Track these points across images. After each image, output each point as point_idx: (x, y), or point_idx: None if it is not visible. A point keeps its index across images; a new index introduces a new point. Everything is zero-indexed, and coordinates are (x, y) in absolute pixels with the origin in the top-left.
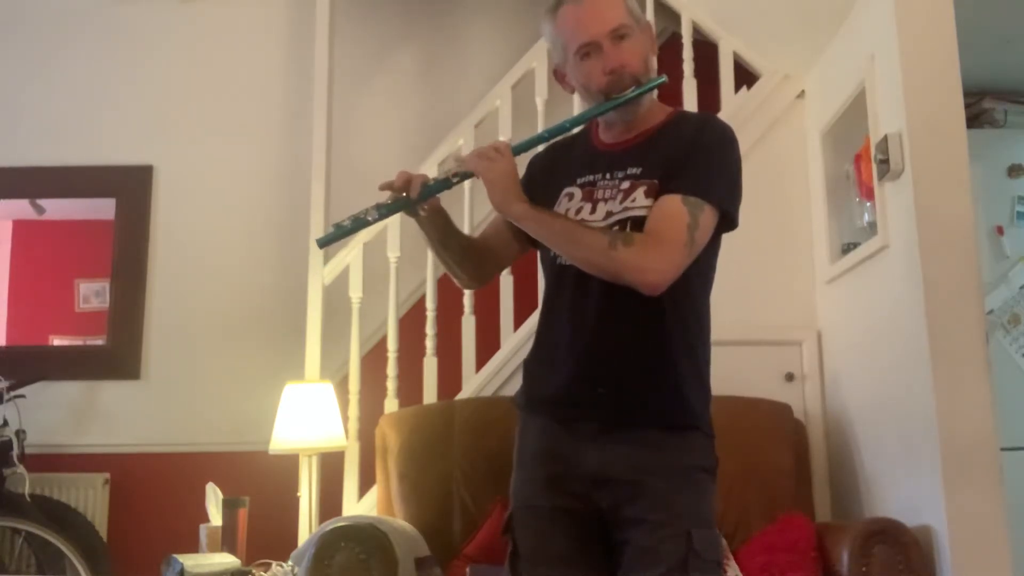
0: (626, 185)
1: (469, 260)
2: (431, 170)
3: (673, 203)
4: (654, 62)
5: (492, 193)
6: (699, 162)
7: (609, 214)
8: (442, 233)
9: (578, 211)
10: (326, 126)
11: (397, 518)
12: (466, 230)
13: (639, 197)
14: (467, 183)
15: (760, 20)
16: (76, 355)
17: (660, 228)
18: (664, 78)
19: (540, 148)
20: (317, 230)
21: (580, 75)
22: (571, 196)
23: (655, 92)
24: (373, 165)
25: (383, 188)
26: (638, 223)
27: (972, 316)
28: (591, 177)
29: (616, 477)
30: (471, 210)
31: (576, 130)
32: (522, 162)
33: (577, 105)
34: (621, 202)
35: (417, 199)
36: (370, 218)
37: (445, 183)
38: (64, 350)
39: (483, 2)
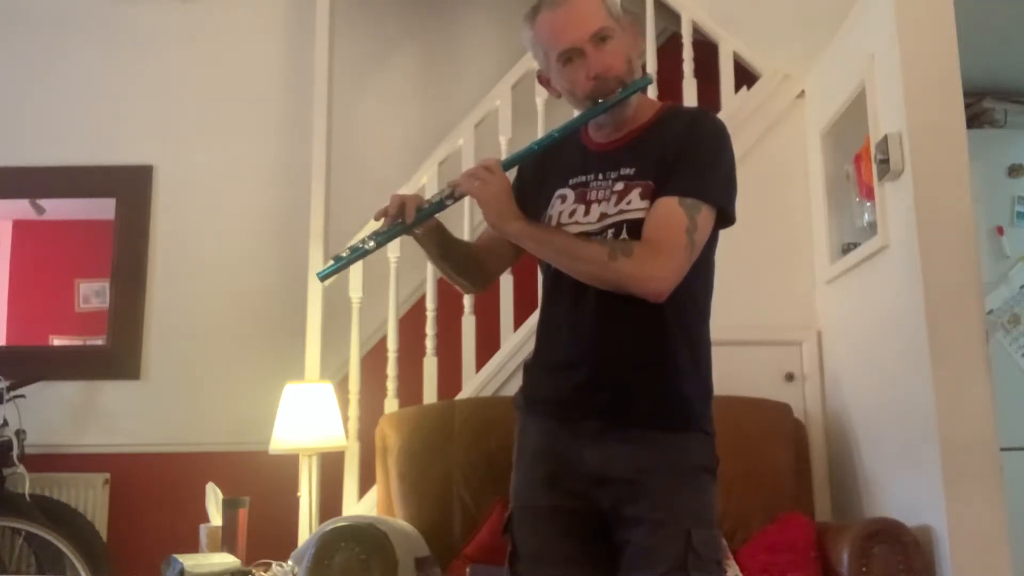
0: (619, 186)
1: (470, 267)
2: (431, 170)
3: (670, 207)
4: (640, 58)
5: (487, 213)
6: (692, 161)
7: (604, 216)
8: (440, 247)
9: (571, 213)
10: (326, 126)
11: (397, 518)
12: (466, 234)
13: (634, 199)
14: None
15: (760, 20)
16: (76, 355)
17: (659, 235)
18: (649, 79)
19: None
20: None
21: (564, 81)
22: (564, 198)
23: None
24: (373, 165)
25: (378, 217)
26: (634, 226)
27: (972, 316)
28: (583, 178)
29: (616, 476)
30: (471, 215)
31: None
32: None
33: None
34: (616, 204)
35: (413, 224)
36: (368, 247)
37: (439, 205)
38: (64, 350)
39: (483, 2)
